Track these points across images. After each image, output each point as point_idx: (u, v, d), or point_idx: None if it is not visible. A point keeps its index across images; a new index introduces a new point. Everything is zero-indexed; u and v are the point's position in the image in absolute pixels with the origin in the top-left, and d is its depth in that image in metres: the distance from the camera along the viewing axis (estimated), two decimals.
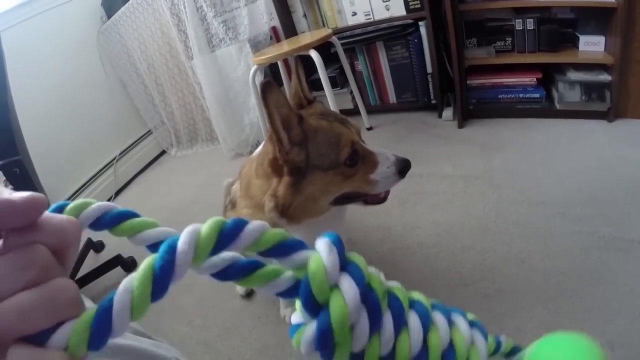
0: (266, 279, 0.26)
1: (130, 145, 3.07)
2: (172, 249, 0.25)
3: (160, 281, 0.24)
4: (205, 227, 0.26)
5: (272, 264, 0.27)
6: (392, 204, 1.67)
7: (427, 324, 0.28)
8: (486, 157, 1.80)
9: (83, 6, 2.78)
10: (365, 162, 0.87)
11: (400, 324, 0.27)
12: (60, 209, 0.26)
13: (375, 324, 0.26)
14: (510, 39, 2.02)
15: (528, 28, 1.93)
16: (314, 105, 0.96)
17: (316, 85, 2.23)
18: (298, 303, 0.26)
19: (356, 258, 0.28)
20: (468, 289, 1.23)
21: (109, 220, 0.27)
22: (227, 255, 0.27)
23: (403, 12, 2.13)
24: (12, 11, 2.35)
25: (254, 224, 0.27)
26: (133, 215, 0.28)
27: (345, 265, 0.27)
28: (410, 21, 2.15)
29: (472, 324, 0.31)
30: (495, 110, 2.11)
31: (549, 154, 1.72)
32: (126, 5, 2.65)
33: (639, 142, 1.64)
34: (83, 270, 1.75)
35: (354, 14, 2.27)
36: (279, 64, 2.39)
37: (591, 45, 1.81)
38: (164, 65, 2.83)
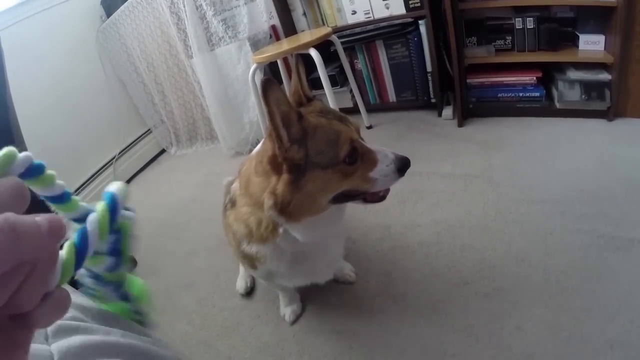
0: (73, 208, 0.34)
1: (130, 144, 3.06)
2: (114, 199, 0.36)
3: (113, 210, 0.36)
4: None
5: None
6: (392, 202, 1.67)
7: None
8: (486, 156, 1.80)
9: (82, 5, 2.78)
10: (365, 160, 0.86)
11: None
12: None
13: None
14: (510, 37, 2.02)
15: (528, 27, 1.93)
16: (313, 103, 0.96)
17: (316, 83, 2.23)
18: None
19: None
20: (468, 288, 1.23)
21: (36, 170, 0.29)
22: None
23: (403, 11, 2.13)
24: (11, 10, 2.35)
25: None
26: (44, 167, 0.30)
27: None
28: (410, 20, 2.15)
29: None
30: (495, 109, 2.11)
31: (548, 153, 1.72)
32: (125, 4, 2.64)
33: (639, 141, 1.64)
34: None
35: (354, 12, 2.27)
36: (279, 62, 2.39)
37: (591, 44, 1.81)
38: (163, 64, 2.83)
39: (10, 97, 1.39)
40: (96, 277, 0.42)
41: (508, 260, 1.27)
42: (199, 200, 2.27)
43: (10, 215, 0.22)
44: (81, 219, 0.34)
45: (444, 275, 1.30)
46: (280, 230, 0.90)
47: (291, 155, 0.81)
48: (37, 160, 0.30)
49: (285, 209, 0.84)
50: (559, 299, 1.11)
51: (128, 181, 2.93)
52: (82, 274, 0.41)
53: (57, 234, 0.25)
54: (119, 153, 2.92)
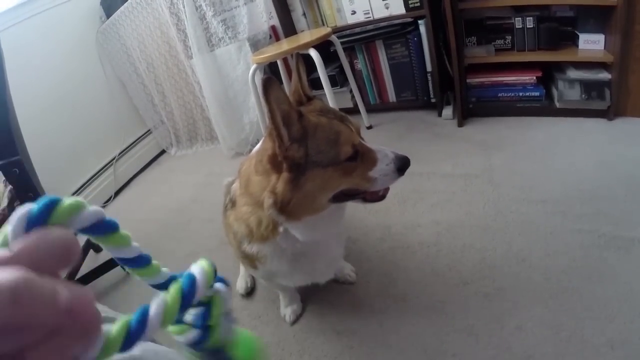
0: (154, 273, 0.33)
1: (130, 145, 3.06)
2: (193, 278, 0.33)
3: (186, 300, 0.31)
4: (206, 265, 0.34)
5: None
6: (392, 202, 1.67)
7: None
8: (486, 156, 1.80)
9: (82, 6, 2.78)
10: (365, 159, 0.87)
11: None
12: (52, 204, 0.24)
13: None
14: (510, 37, 2.02)
15: (528, 26, 1.93)
16: (313, 102, 0.96)
17: (316, 84, 2.23)
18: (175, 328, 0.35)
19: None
20: (468, 288, 1.23)
21: (103, 228, 0.27)
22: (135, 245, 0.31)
23: (402, 11, 2.13)
24: (11, 11, 2.35)
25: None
26: (117, 227, 0.28)
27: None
28: (409, 20, 2.15)
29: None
30: (495, 109, 2.11)
31: (548, 153, 1.72)
32: (125, 4, 2.64)
33: (639, 140, 1.64)
34: (83, 270, 1.75)
35: (354, 12, 2.27)
36: (279, 63, 2.39)
37: (591, 43, 1.81)
38: (163, 65, 2.83)
39: (10, 98, 1.39)
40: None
41: (508, 260, 1.27)
42: (199, 201, 2.27)
43: (21, 277, 0.19)
44: (163, 286, 0.32)
45: (444, 275, 1.30)
46: (281, 229, 0.90)
47: (291, 154, 0.81)
48: (110, 218, 0.27)
49: (285, 208, 0.84)
50: (560, 299, 1.11)
51: (128, 182, 2.93)
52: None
53: (79, 314, 0.21)
54: (119, 154, 2.92)
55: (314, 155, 0.82)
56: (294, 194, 0.83)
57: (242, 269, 1.51)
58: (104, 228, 0.27)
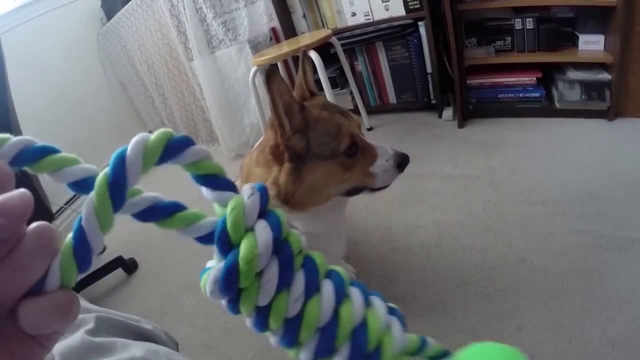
0: (187, 222, 0.27)
1: None
2: (122, 159, 0.25)
3: (116, 191, 0.24)
4: (153, 137, 0.26)
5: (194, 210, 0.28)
6: (393, 204, 1.68)
7: (341, 295, 0.27)
8: (486, 157, 1.80)
9: (83, 8, 2.79)
10: (365, 154, 0.88)
11: (312, 287, 0.26)
12: None
13: (285, 277, 0.25)
14: (510, 38, 2.02)
15: (527, 27, 1.93)
16: (316, 97, 0.98)
17: (316, 85, 2.23)
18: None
19: (278, 211, 0.28)
20: (469, 289, 1.23)
21: (30, 156, 0.25)
22: (148, 195, 0.28)
23: (402, 12, 2.14)
24: (12, 13, 2.36)
25: (200, 148, 0.28)
26: (54, 150, 0.26)
27: (265, 213, 0.27)
28: (409, 21, 2.15)
29: (392, 312, 0.29)
30: (495, 110, 2.11)
31: (549, 153, 1.72)
32: (126, 7, 2.65)
33: (639, 140, 1.64)
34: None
35: (354, 14, 2.27)
36: (279, 64, 2.39)
37: (591, 44, 1.81)
38: (163, 67, 2.83)
39: (11, 99, 1.39)
40: None
41: (509, 261, 1.27)
42: (199, 203, 2.26)
43: None
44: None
45: (445, 276, 1.30)
46: None
47: (293, 144, 0.83)
48: (43, 144, 0.26)
49: (290, 200, 0.86)
50: (560, 300, 1.11)
51: None
52: None
53: (17, 213, 0.22)
54: None
55: (315, 147, 0.83)
56: (296, 186, 0.84)
57: None
58: (33, 154, 0.25)
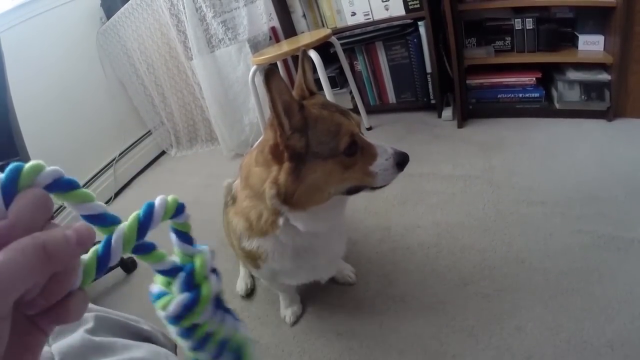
0: (158, 259, 0.36)
1: (130, 146, 3.06)
2: (151, 208, 0.34)
3: (142, 228, 0.33)
4: (170, 201, 0.36)
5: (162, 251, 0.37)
6: (392, 203, 1.68)
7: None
8: (486, 157, 1.80)
9: (82, 7, 2.78)
10: (364, 153, 0.88)
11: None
12: (17, 171, 0.27)
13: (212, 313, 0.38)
14: (510, 38, 2.02)
15: (527, 28, 1.93)
16: (315, 97, 0.98)
17: (315, 85, 2.23)
18: (160, 278, 0.37)
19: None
20: (468, 289, 1.23)
21: (60, 187, 0.30)
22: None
23: (402, 12, 2.13)
24: (11, 12, 2.35)
25: (186, 214, 0.39)
26: (77, 185, 0.31)
27: (214, 269, 0.40)
28: (409, 21, 2.15)
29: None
30: (495, 110, 2.11)
31: (548, 154, 1.72)
32: (125, 6, 2.64)
33: (638, 141, 1.64)
34: None
35: (353, 14, 2.27)
36: (279, 64, 2.39)
37: (590, 44, 1.81)
38: (163, 66, 2.83)
39: (10, 99, 1.39)
40: None
41: (508, 261, 1.27)
42: (199, 202, 2.26)
43: (39, 236, 0.24)
44: (167, 272, 0.37)
45: (444, 276, 1.30)
46: (280, 222, 0.91)
47: (292, 144, 0.82)
48: (70, 177, 0.31)
49: (290, 199, 0.86)
50: (559, 300, 1.11)
51: (128, 183, 2.93)
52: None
53: (85, 244, 0.26)
54: (119, 155, 2.92)
55: (314, 146, 0.83)
56: (296, 186, 0.84)
57: (242, 270, 1.51)
58: (64, 185, 0.30)
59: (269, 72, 0.75)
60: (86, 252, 0.28)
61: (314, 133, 0.83)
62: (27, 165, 0.28)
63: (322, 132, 0.84)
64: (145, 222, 0.33)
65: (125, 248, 0.31)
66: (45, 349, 0.45)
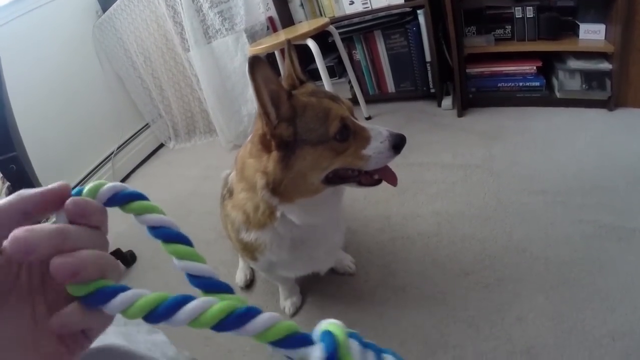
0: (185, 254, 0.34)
1: (128, 139, 3.05)
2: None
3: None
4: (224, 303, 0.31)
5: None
6: (392, 193, 1.66)
7: None
8: (486, 146, 1.79)
9: (78, 1, 2.76)
10: (357, 137, 0.86)
11: None
12: (78, 193, 0.33)
13: None
14: (510, 27, 2.00)
15: (528, 16, 1.91)
16: (305, 85, 0.97)
17: (314, 75, 2.21)
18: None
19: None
20: (469, 278, 1.22)
21: (121, 198, 0.34)
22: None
23: (401, 1, 2.11)
24: (6, 7, 2.33)
25: (267, 315, 0.32)
26: (141, 197, 0.34)
27: None
28: (408, 9, 2.13)
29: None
30: (495, 99, 2.09)
31: (549, 143, 1.71)
32: None
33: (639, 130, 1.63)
34: None
35: (352, 2, 2.25)
36: (276, 53, 2.37)
37: (591, 33, 1.80)
38: (160, 58, 2.81)
39: (6, 93, 1.37)
40: None
41: (509, 251, 1.27)
42: (197, 194, 2.26)
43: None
44: (201, 283, 0.33)
45: (445, 266, 1.29)
46: (278, 214, 0.90)
47: (280, 132, 0.81)
48: (131, 191, 0.35)
49: (277, 189, 0.85)
50: (560, 290, 1.10)
51: (127, 176, 2.92)
52: None
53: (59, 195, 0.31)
54: (117, 148, 2.91)
55: (303, 134, 0.82)
56: (284, 174, 0.83)
57: (241, 262, 1.51)
58: (121, 198, 0.34)
59: (254, 61, 0.74)
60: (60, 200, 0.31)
61: (301, 120, 0.82)
62: (89, 185, 0.33)
63: (310, 118, 0.82)
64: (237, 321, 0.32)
65: (193, 324, 0.29)
66: None
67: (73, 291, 0.28)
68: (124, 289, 0.29)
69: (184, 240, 0.34)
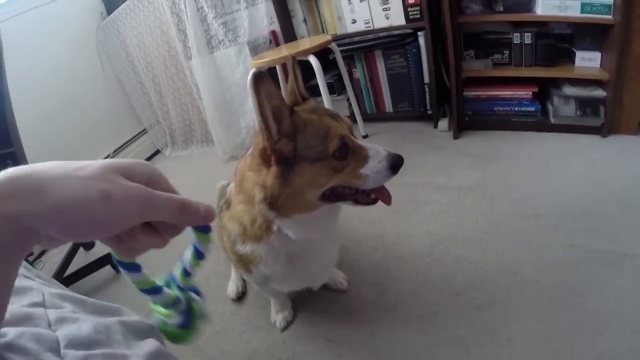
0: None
1: (125, 144, 3.05)
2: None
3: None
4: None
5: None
6: (386, 212, 1.67)
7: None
8: (480, 169, 1.81)
9: (83, 1, 2.78)
10: (356, 156, 0.87)
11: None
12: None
13: None
14: (508, 52, 2.04)
15: (526, 42, 1.95)
16: (307, 102, 0.98)
17: (314, 91, 2.23)
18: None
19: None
20: (460, 299, 1.23)
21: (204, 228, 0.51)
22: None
23: (403, 22, 2.15)
24: (10, 3, 2.34)
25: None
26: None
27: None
28: (409, 31, 2.16)
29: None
30: (491, 123, 2.12)
31: (542, 167, 1.73)
32: (127, 2, 2.65)
33: (632, 157, 1.66)
34: (72, 268, 1.73)
35: (354, 21, 2.28)
36: (277, 68, 2.39)
37: (587, 60, 1.84)
38: (162, 64, 2.83)
39: (7, 90, 1.38)
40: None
41: (500, 273, 1.28)
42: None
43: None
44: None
45: (437, 286, 1.30)
46: (274, 228, 0.90)
47: (280, 148, 0.82)
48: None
49: (275, 203, 0.85)
50: (550, 313, 1.11)
51: None
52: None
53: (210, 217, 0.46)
54: (113, 152, 2.91)
55: (302, 150, 0.83)
56: (282, 189, 0.83)
57: (233, 273, 1.50)
58: (204, 228, 0.50)
59: (258, 76, 0.75)
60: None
61: (302, 137, 0.83)
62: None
63: (310, 135, 0.83)
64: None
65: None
66: (50, 332, 0.45)
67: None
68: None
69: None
